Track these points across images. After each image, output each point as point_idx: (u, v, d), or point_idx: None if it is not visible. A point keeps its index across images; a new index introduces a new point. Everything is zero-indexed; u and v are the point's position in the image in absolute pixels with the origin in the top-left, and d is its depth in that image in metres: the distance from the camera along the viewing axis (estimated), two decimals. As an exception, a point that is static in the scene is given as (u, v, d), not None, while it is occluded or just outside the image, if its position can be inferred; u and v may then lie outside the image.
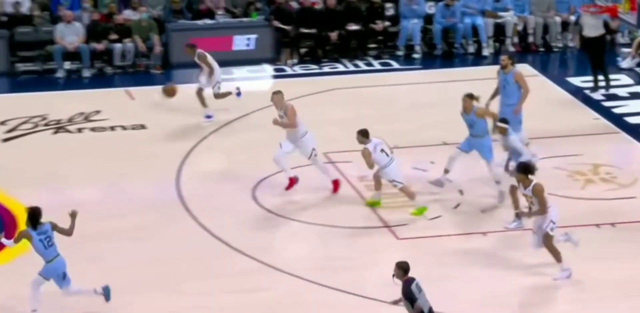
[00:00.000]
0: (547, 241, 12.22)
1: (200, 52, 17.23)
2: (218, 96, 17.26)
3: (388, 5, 21.36)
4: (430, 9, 21.39)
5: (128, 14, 20.64)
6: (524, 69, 18.65)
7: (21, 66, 20.11)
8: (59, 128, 17.24)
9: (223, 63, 20.06)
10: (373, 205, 14.23)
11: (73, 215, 11.73)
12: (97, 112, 17.78)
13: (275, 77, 20.12)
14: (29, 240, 11.46)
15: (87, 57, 19.98)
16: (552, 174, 14.98)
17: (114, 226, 13.78)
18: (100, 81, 19.82)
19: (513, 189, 13.30)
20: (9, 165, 15.73)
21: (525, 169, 12.27)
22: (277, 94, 14.54)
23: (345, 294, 12.07)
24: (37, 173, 15.47)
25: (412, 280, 10.36)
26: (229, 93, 17.36)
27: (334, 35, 20.71)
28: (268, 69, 20.39)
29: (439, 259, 12.82)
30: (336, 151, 15.67)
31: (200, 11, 21.04)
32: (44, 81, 19.73)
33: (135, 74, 20.11)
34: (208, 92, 17.29)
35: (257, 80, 19.90)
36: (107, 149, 16.48)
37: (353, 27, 20.85)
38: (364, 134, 13.88)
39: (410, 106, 17.90)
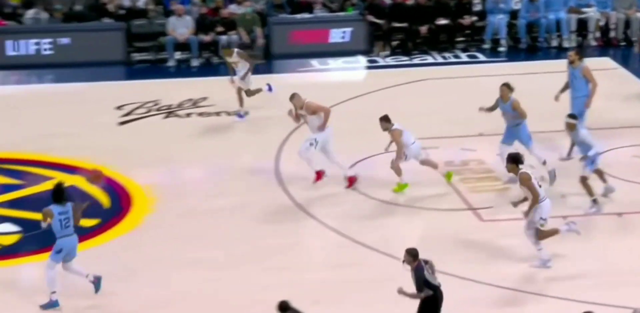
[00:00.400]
0: (542, 234, 12.00)
1: (238, 51, 16.94)
2: (249, 92, 16.80)
3: (475, 1, 21.19)
4: (515, 4, 21.16)
5: (233, 8, 20.84)
6: (606, 63, 18.37)
7: (136, 56, 20.43)
8: (170, 112, 17.49)
9: (320, 54, 20.27)
10: (448, 178, 14.09)
11: (84, 207, 11.66)
12: (204, 98, 17.99)
13: (368, 67, 20.13)
14: (51, 218, 11.31)
15: (195, 48, 20.23)
16: (631, 162, 14.77)
17: (218, 204, 13.96)
18: (207, 69, 20.04)
19: (584, 179, 13.20)
20: (124, 147, 16.02)
21: (515, 159, 12.03)
22: (293, 99, 14.28)
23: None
24: (149, 154, 15.75)
25: (422, 265, 10.25)
26: (259, 90, 16.84)
27: (424, 29, 20.63)
28: (362, 60, 20.39)
29: (522, 240, 12.70)
30: (425, 137, 15.61)
31: (300, 4, 21.13)
32: (156, 70, 20.03)
33: (239, 64, 20.28)
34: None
35: (351, 70, 19.95)
36: (212, 132, 16.68)
37: (442, 21, 20.74)
38: (387, 120, 13.85)
39: (495, 96, 17.70)
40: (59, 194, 11.39)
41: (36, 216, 13.57)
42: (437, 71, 19.57)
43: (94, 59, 19.73)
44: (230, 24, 20.44)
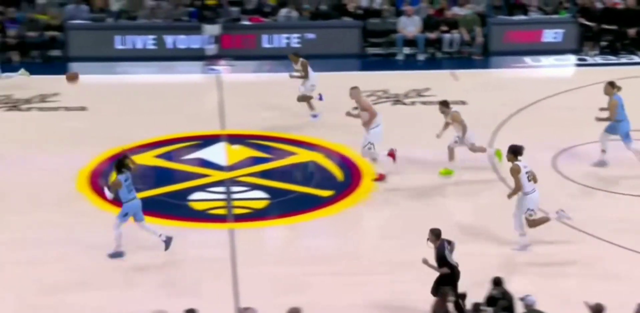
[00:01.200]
0: (530, 225, 11.58)
1: (303, 61, 16.39)
2: (300, 98, 16.27)
3: (684, 5, 20.09)
4: None
5: (456, 10, 20.70)
6: None
7: (370, 50, 20.65)
8: (397, 100, 17.60)
9: (533, 52, 19.81)
10: (447, 173, 13.86)
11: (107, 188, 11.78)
12: (428, 89, 17.99)
13: (578, 65, 19.52)
14: (120, 187, 11.46)
15: (422, 44, 20.23)
16: None
17: (434, 182, 13.99)
18: (431, 64, 20.00)
19: None
20: (356, 128, 16.15)
21: (514, 151, 11.56)
22: (353, 89, 13.98)
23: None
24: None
25: (444, 244, 10.05)
26: (310, 97, 16.39)
27: (632, 31, 19.79)
28: (572, 58, 19.79)
29: None
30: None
31: (516, 6, 20.73)
32: (387, 63, 20.16)
33: (459, 60, 20.13)
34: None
35: (562, 67, 19.39)
36: (434, 119, 16.54)
37: (651, 24, 19.83)
38: (446, 104, 13.72)
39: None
40: (122, 165, 11.57)
41: (282, 185, 14.10)
42: (643, 69, 18.72)
43: (334, 52, 20.10)
44: (453, 24, 20.31)
